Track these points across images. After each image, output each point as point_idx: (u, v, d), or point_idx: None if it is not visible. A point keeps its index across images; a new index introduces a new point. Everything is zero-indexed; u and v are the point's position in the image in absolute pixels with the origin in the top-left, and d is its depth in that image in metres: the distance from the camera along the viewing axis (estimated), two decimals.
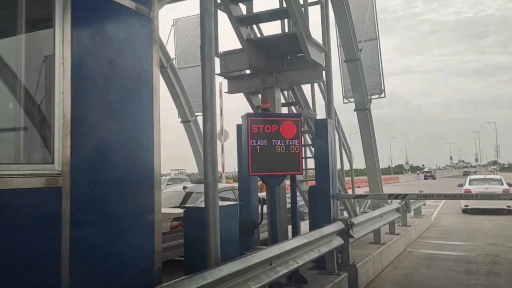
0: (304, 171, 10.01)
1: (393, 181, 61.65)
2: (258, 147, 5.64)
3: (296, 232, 6.43)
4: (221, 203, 5.02)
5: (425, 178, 73.90)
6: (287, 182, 6.74)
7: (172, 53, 15.79)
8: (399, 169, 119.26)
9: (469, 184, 19.30)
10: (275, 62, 7.47)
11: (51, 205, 2.69)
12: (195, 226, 4.59)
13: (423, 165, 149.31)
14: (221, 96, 18.75)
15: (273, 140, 5.77)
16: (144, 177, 3.43)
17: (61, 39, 2.80)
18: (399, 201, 11.22)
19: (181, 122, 15.34)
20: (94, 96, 3.06)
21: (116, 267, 3.14)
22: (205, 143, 4.39)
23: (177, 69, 15.89)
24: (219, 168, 23.70)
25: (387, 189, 37.03)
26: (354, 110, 12.96)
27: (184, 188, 9.55)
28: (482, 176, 22.63)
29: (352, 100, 13.26)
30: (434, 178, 73.41)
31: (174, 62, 15.40)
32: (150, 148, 3.49)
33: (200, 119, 15.72)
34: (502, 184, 18.61)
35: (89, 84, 3.03)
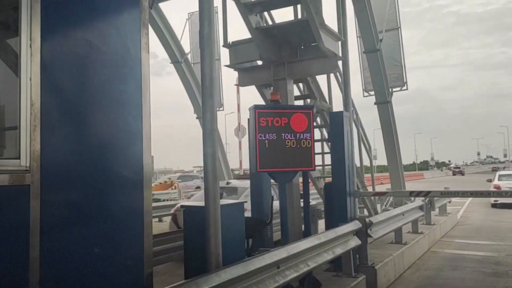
0: (322, 167, 9.63)
1: (418, 177, 60.39)
2: (266, 141, 5.27)
3: (308, 232, 6.04)
4: (224, 201, 4.68)
5: (454, 174, 73.37)
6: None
7: (187, 48, 15.55)
8: (424, 165, 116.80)
9: (498, 180, 19.25)
10: (287, 52, 7.06)
11: (16, 205, 2.39)
12: (195, 227, 4.26)
13: (449, 161, 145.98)
14: (238, 92, 18.43)
15: (283, 134, 5.38)
16: (131, 174, 3.11)
17: (28, 16, 2.48)
18: (422, 198, 10.68)
19: (197, 118, 15.10)
20: (70, 83, 2.75)
21: (96, 276, 2.82)
22: (204, 137, 4.05)
23: (192, 64, 15.66)
24: (236, 165, 23.40)
25: (412, 185, 36.27)
26: (375, 103, 12.45)
27: (228, 183, 10.13)
28: (511, 172, 22.60)
29: (372, 93, 12.75)
30: (463, 174, 72.42)
31: (188, 57, 15.14)
32: (139, 142, 3.16)
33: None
34: None
35: (63, 69, 2.71)
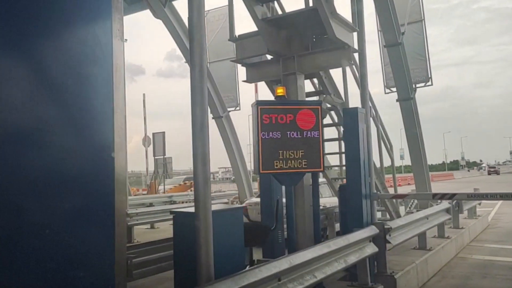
0: (339, 168, 9.12)
1: (447, 177, 58.58)
2: (270, 140, 4.83)
3: (318, 239, 5.56)
4: (221, 206, 4.28)
5: (489, 174, 72.73)
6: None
7: None
8: (454, 165, 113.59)
9: None
10: (297, 45, 6.59)
11: None
12: (185, 235, 3.87)
13: (481, 161, 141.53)
14: (256, 91, 18.02)
15: (288, 132, 4.94)
16: (99, 177, 2.73)
17: None
18: (449, 200, 10.01)
19: (213, 118, 14.77)
20: (18, 72, 2.38)
21: None
22: (194, 135, 3.65)
23: (208, 64, 15.35)
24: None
25: (441, 186, 35.03)
26: (397, 100, 11.80)
27: None
28: None
29: (394, 89, 12.10)
30: (498, 174, 71.10)
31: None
32: (109, 140, 2.79)
33: (232, 114, 15.12)
34: None
35: (11, 55, 2.35)
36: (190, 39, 3.63)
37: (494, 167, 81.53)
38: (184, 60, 14.12)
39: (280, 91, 5.29)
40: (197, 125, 3.62)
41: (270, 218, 5.93)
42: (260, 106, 4.85)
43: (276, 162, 4.91)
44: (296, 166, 4.98)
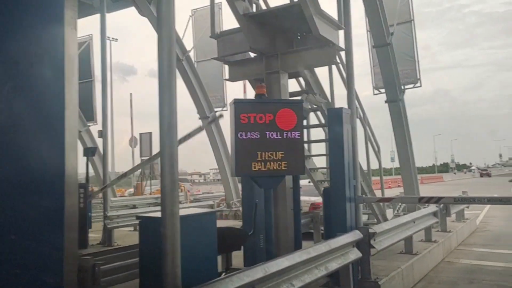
0: (327, 170, 8.91)
1: (437, 180, 58.76)
2: (247, 140, 4.58)
3: (299, 245, 5.33)
4: (192, 210, 4.03)
5: (481, 176, 74.54)
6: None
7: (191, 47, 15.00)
8: (444, 168, 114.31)
9: None
10: (281, 43, 6.37)
11: None
12: (151, 242, 3.61)
13: (470, 163, 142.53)
14: (245, 91, 17.79)
15: (267, 133, 4.70)
16: (46, 179, 2.47)
17: None
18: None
19: (199, 118, 14.51)
20: None
21: None
22: (161, 135, 3.40)
23: (195, 63, 15.10)
24: None
25: (430, 189, 34.94)
26: (385, 101, 11.63)
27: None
28: None
29: (383, 90, 11.93)
30: (490, 176, 72.80)
31: (191, 54, 14.57)
32: (59, 139, 2.53)
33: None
34: None
35: None
36: (158, 31, 3.38)
37: (486, 170, 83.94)
38: None
39: (260, 89, 5.04)
40: (165, 125, 3.37)
41: (250, 223, 5.70)
42: (237, 104, 4.60)
43: (254, 164, 4.66)
44: (275, 168, 4.74)
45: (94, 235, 11.53)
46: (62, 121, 2.56)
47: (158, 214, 3.48)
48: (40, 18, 2.51)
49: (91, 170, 16.38)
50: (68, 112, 2.58)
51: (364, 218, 10.32)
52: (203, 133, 14.87)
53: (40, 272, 2.46)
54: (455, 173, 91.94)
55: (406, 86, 11.97)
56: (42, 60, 2.50)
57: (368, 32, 11.98)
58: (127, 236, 12.71)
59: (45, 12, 2.54)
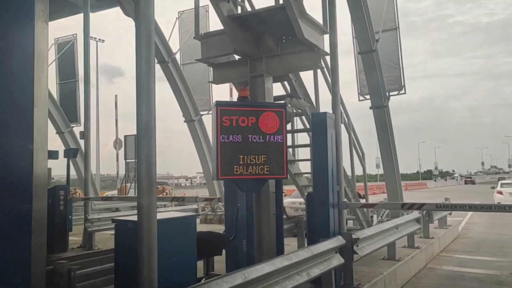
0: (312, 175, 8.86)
1: (421, 186, 59.42)
2: (229, 143, 4.51)
3: (281, 250, 5.26)
4: (171, 214, 3.93)
5: (466, 183, 77.35)
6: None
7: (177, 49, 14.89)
8: (428, 175, 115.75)
9: (501, 187, 23.76)
10: (265, 46, 6.30)
11: None
12: (126, 247, 3.50)
13: (453, 171, 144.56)
14: (231, 95, 17.69)
15: (250, 136, 4.63)
16: (13, 181, 2.36)
17: None
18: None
19: (185, 121, 14.38)
20: None
21: None
22: (139, 135, 3.31)
23: (181, 65, 14.98)
24: None
25: (414, 195, 35.24)
26: (370, 107, 11.67)
27: None
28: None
29: (368, 97, 11.97)
30: (474, 183, 74.88)
31: (177, 57, 14.46)
32: (27, 138, 2.42)
33: (205, 118, 14.78)
34: None
35: None
36: (136, 28, 3.29)
37: (470, 177, 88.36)
38: (156, 60, 13.70)
39: (244, 92, 4.98)
40: (142, 126, 3.28)
41: (233, 227, 5.61)
42: (219, 107, 4.52)
43: (236, 168, 4.58)
44: (257, 172, 4.67)
45: (75, 238, 11.30)
46: (30, 120, 2.46)
47: (135, 218, 3.39)
48: (8, 11, 2.41)
49: (73, 172, 16.14)
50: (37, 110, 2.47)
51: (349, 223, 10.32)
52: (189, 136, 14.77)
53: (6, 275, 2.35)
54: (435, 181, 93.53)
55: (391, 93, 12.03)
56: (10, 56, 2.39)
57: (354, 39, 12.02)
58: (109, 239, 12.46)
59: (14, 5, 2.44)
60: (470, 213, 19.19)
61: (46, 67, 2.56)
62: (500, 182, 26.22)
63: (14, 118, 2.43)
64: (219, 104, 4.55)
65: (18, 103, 2.43)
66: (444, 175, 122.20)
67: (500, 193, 23.05)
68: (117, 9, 12.87)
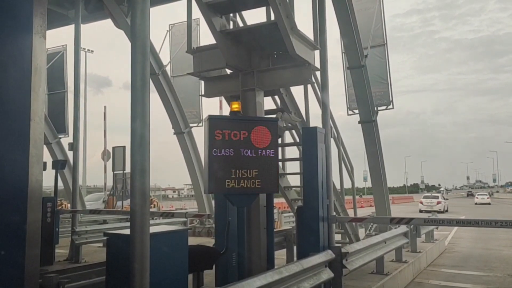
0: (301, 189, 8.91)
1: (407, 200, 59.79)
2: (221, 157, 4.54)
3: (271, 264, 5.26)
4: (162, 227, 3.93)
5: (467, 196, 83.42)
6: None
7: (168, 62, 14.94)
8: (414, 188, 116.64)
9: (423, 198, 34.71)
10: (257, 61, 6.39)
11: None
12: (118, 260, 3.49)
13: (439, 185, 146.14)
14: (221, 107, 17.75)
15: (242, 150, 4.66)
16: (8, 192, 2.36)
17: None
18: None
19: (174, 133, 14.35)
20: None
21: None
22: (133, 149, 3.32)
23: (172, 78, 15.02)
24: None
25: (401, 209, 35.53)
26: (359, 122, 11.80)
27: None
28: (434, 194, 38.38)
29: (357, 111, 12.11)
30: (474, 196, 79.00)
31: (167, 69, 14.50)
32: (24, 151, 2.42)
33: (194, 130, 14.78)
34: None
35: None
36: (132, 43, 3.32)
37: (471, 191, 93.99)
38: None
39: (235, 106, 5.03)
40: (137, 139, 3.30)
41: (223, 241, 5.60)
42: (212, 121, 4.56)
43: (228, 181, 4.61)
44: (249, 186, 4.70)
45: (61, 250, 11.13)
46: (27, 133, 2.47)
47: (127, 231, 3.38)
48: (7, 26, 2.43)
49: (61, 184, 15.94)
50: (33, 124, 2.48)
51: (337, 237, 10.35)
52: (178, 148, 14.73)
53: None
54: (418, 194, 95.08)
55: (379, 108, 12.20)
56: (8, 70, 2.41)
57: (343, 54, 12.20)
58: (96, 252, 12.31)
59: (13, 20, 2.46)
60: (456, 228, 19.36)
61: (44, 81, 2.58)
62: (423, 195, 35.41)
63: (10, 131, 2.43)
64: (211, 118, 4.59)
65: (15, 116, 2.44)
66: (430, 189, 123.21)
67: (421, 202, 33.73)
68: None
